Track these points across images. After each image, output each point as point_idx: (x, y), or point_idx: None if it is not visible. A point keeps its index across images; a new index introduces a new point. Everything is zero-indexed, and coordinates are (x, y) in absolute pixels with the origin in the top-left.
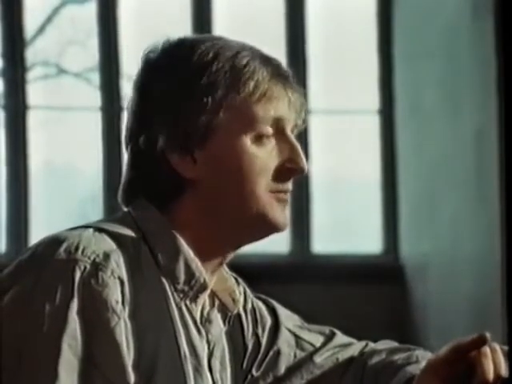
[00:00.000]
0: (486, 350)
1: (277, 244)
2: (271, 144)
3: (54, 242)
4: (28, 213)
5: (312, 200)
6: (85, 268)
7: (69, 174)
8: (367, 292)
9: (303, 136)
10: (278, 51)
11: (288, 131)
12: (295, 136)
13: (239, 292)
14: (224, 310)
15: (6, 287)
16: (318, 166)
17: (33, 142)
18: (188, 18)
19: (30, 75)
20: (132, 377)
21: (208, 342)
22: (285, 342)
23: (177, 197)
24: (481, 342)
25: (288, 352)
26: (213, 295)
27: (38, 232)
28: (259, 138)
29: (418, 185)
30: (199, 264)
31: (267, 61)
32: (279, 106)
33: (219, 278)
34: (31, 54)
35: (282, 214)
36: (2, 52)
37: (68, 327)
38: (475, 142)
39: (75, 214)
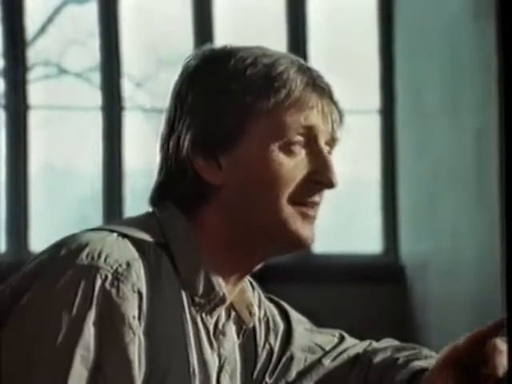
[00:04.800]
0: (503, 347)
1: None
2: (301, 154)
3: (76, 244)
4: (28, 213)
5: None
6: (106, 277)
7: (69, 174)
8: (367, 292)
9: None
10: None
11: (321, 142)
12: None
13: (256, 305)
14: (239, 322)
15: (25, 287)
16: None
17: (33, 142)
18: (189, 18)
19: (31, 75)
20: None
21: (219, 356)
22: (297, 348)
23: (202, 203)
24: (501, 325)
25: (300, 357)
26: (229, 307)
27: (38, 232)
28: (288, 147)
29: (417, 185)
30: (220, 278)
31: (305, 70)
32: (311, 115)
33: (239, 288)
34: (32, 54)
35: (306, 228)
36: (3, 52)
37: (82, 338)
38: (475, 142)
39: (75, 214)
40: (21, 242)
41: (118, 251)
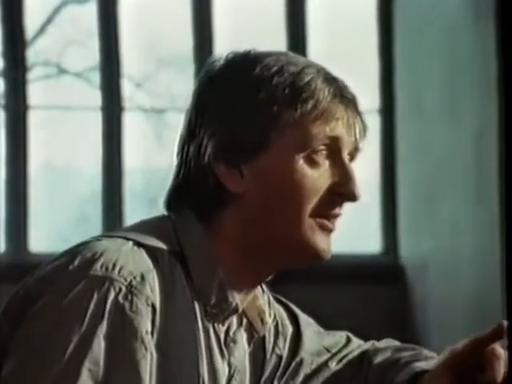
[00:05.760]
0: (501, 352)
1: None
2: (325, 165)
3: (91, 253)
4: (27, 213)
5: None
6: (120, 290)
7: (69, 174)
8: (367, 292)
9: None
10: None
11: (344, 154)
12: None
13: (269, 312)
14: (251, 330)
15: (39, 291)
16: None
17: (33, 142)
18: (188, 18)
19: (31, 75)
20: None
21: (229, 365)
22: (307, 352)
23: (220, 209)
24: (500, 331)
25: (309, 361)
26: (241, 313)
27: (38, 232)
28: (312, 158)
29: (417, 185)
30: (234, 288)
31: (331, 80)
32: (337, 126)
33: (252, 295)
34: (32, 54)
35: (324, 241)
36: (3, 52)
37: (91, 351)
38: (475, 142)
39: (75, 213)
40: (20, 242)
41: (133, 262)
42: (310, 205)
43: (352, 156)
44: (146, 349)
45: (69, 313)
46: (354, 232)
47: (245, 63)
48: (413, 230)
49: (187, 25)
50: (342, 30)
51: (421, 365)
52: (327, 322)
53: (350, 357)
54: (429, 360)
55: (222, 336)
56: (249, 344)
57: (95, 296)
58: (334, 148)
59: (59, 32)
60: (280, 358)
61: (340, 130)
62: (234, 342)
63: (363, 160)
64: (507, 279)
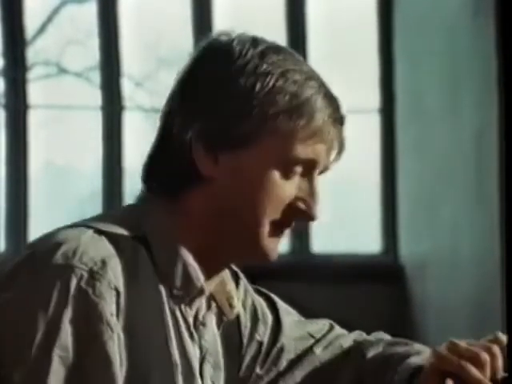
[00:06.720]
0: (486, 357)
1: None
2: (296, 179)
3: (52, 244)
4: (28, 212)
5: None
6: (81, 276)
7: (69, 174)
8: (367, 292)
9: None
10: None
11: (315, 173)
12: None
13: (238, 297)
14: (220, 313)
15: (4, 287)
16: None
17: (33, 142)
18: (188, 18)
19: (31, 75)
20: None
21: (200, 348)
22: (288, 337)
23: (189, 188)
24: (496, 342)
25: (291, 346)
26: (210, 298)
27: (38, 232)
28: (287, 169)
29: (417, 185)
30: (198, 269)
31: (329, 100)
32: (322, 150)
33: (219, 280)
34: (32, 54)
35: (274, 245)
36: (3, 52)
37: (60, 338)
38: (475, 142)
39: (75, 213)
40: (20, 242)
41: (94, 249)
42: (272, 211)
43: (320, 172)
44: (112, 330)
45: (34, 303)
46: (354, 232)
47: (252, 54)
48: (412, 230)
49: (187, 24)
50: (342, 30)
51: (415, 360)
52: None
53: (338, 345)
54: (421, 354)
55: (191, 320)
56: (218, 327)
57: (58, 284)
58: (309, 166)
59: (59, 32)
60: (260, 343)
61: (323, 155)
62: (203, 324)
63: (363, 160)
64: (507, 279)
